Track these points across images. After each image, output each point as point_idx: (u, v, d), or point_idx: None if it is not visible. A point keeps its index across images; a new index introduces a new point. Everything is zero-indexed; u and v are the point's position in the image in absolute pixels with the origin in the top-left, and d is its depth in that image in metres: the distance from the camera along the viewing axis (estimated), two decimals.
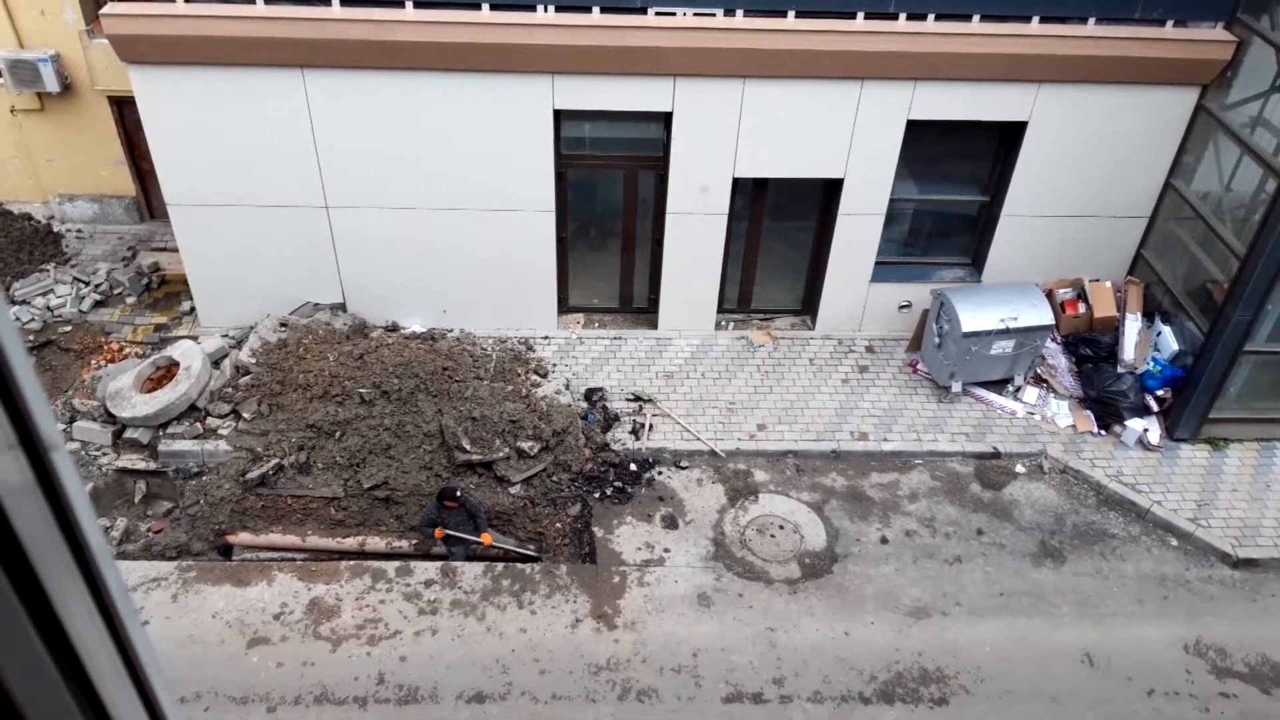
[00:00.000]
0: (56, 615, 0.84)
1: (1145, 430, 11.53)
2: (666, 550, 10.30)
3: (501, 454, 10.61)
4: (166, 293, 13.23)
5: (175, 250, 12.32)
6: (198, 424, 10.91)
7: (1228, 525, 10.76)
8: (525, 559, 10.28)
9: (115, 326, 12.64)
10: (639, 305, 13.21)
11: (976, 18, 10.90)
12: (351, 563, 10.09)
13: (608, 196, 12.41)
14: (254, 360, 11.25)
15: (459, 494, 9.75)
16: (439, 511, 9.73)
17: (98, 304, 12.93)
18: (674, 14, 10.70)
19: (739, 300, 13.27)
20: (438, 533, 9.75)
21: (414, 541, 10.39)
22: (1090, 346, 12.17)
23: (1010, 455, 11.50)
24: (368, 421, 10.70)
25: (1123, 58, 10.98)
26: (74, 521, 0.82)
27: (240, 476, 10.43)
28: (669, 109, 11.17)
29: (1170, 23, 11.06)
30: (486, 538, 9.87)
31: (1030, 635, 9.63)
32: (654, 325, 12.96)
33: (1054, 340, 12.43)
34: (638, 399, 11.91)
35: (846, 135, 11.45)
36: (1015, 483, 11.27)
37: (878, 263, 12.55)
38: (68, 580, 0.83)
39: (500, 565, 10.05)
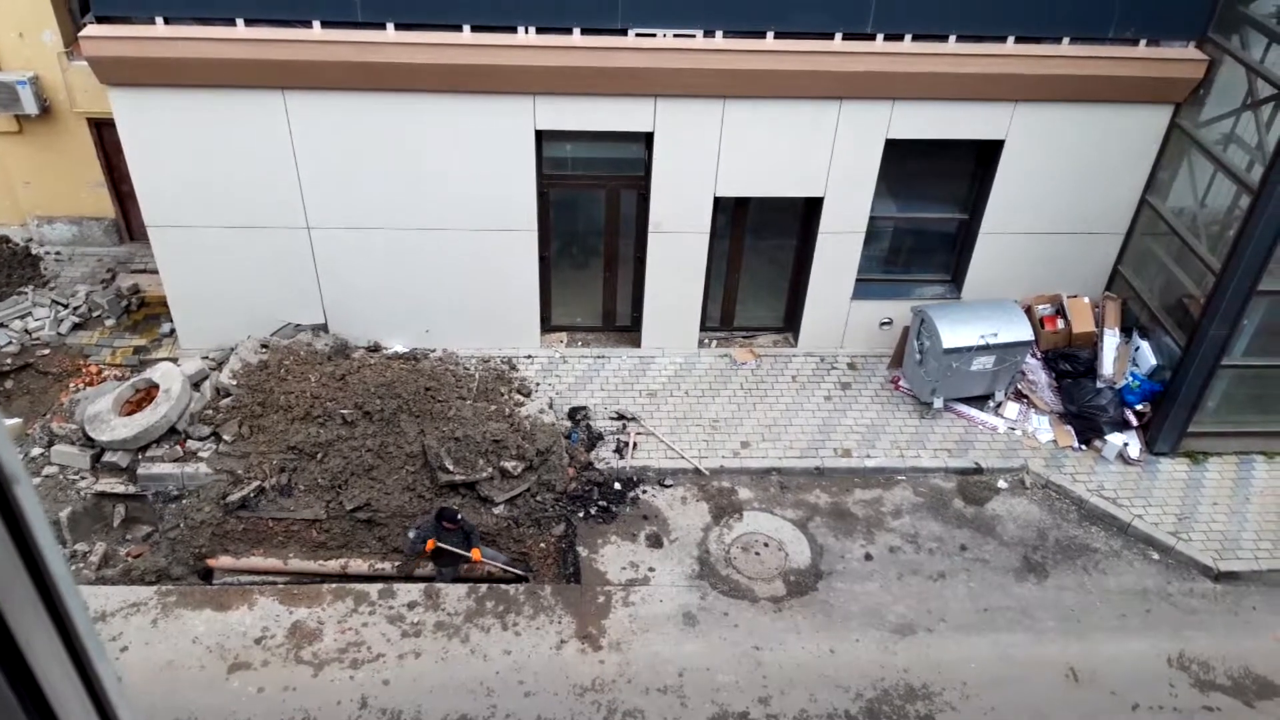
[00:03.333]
0: (19, 649, 0.83)
1: (1125, 444, 11.61)
2: (651, 569, 10.27)
3: (485, 474, 10.57)
4: (146, 315, 13.15)
5: (155, 272, 12.25)
6: (178, 447, 10.81)
7: (1208, 538, 10.82)
8: (515, 579, 10.22)
9: (94, 349, 12.55)
10: (622, 324, 13.22)
11: (953, 38, 11.03)
12: (334, 585, 10.00)
13: (590, 216, 12.44)
14: (234, 382, 11.18)
15: (460, 516, 9.69)
16: (436, 531, 9.63)
17: (76, 326, 12.83)
18: (654, 35, 10.77)
19: (721, 318, 13.30)
20: (429, 544, 9.65)
21: (397, 564, 10.32)
22: (1069, 362, 12.27)
23: (992, 470, 11.55)
24: (350, 443, 10.64)
25: (1097, 77, 11.13)
26: (38, 554, 0.82)
27: (221, 499, 10.34)
28: (650, 129, 11.23)
29: (1143, 42, 11.23)
30: (476, 553, 9.81)
31: (1014, 650, 9.65)
32: (637, 344, 12.98)
33: (1034, 356, 12.52)
34: (621, 417, 11.90)
35: (826, 154, 11.54)
36: (997, 498, 11.31)
37: (858, 280, 12.63)
38: (31, 614, 0.82)
39: (484, 586, 10.00)
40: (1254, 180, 10.30)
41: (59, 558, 0.85)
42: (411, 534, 10.06)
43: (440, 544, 9.65)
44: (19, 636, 0.83)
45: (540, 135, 11.25)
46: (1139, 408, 11.75)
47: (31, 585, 0.81)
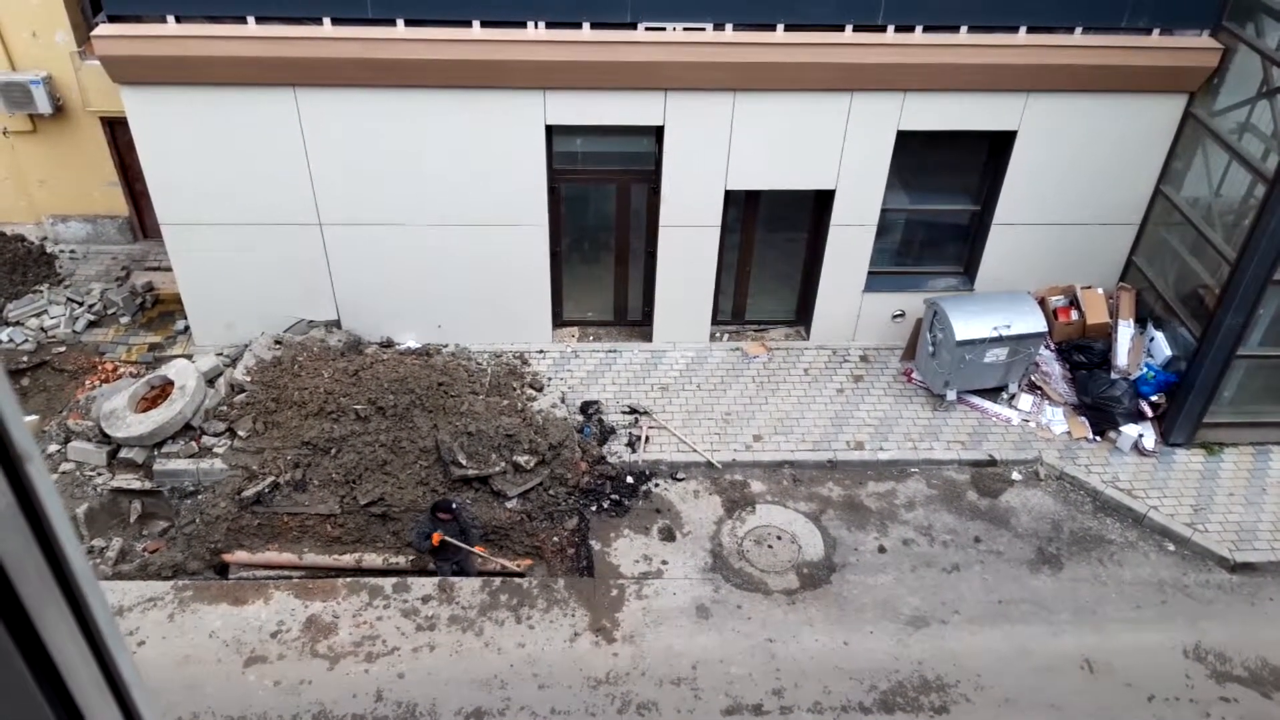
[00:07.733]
0: (39, 634, 0.84)
1: (1140, 436, 11.55)
2: (664, 562, 10.28)
3: (498, 468, 10.60)
4: (160, 312, 13.23)
5: (169, 269, 12.33)
6: (193, 443, 10.88)
7: (1224, 529, 10.76)
8: (513, 575, 10.24)
9: (109, 346, 12.63)
10: (633, 318, 13.22)
11: (964, 29, 10.97)
12: (348, 580, 10.06)
13: (600, 210, 12.44)
14: (249, 378, 11.24)
15: (454, 506, 9.74)
16: (433, 525, 9.68)
17: (92, 324, 12.92)
18: (664, 28, 10.75)
19: (733, 312, 13.29)
20: (435, 537, 9.68)
21: (411, 557, 10.37)
22: (1084, 353, 12.20)
23: (1006, 462, 11.50)
24: (363, 438, 10.69)
25: (1110, 66, 11.05)
26: (51, 533, 0.82)
27: (236, 495, 10.40)
28: (660, 123, 11.21)
29: (1157, 31, 11.14)
30: (481, 548, 9.84)
31: (1029, 642, 9.62)
32: (649, 338, 12.98)
33: (1047, 347, 12.45)
34: (634, 411, 11.90)
35: (837, 146, 11.50)
36: (1011, 490, 11.27)
37: (870, 272, 12.58)
38: (46, 594, 0.83)
39: (498, 580, 10.03)
40: (1269, 169, 10.21)
41: (71, 536, 0.86)
42: (413, 533, 10.07)
43: (445, 537, 9.67)
44: (35, 618, 0.84)
45: (550, 130, 11.25)
46: (1154, 399, 11.68)
47: (45, 565, 0.82)
